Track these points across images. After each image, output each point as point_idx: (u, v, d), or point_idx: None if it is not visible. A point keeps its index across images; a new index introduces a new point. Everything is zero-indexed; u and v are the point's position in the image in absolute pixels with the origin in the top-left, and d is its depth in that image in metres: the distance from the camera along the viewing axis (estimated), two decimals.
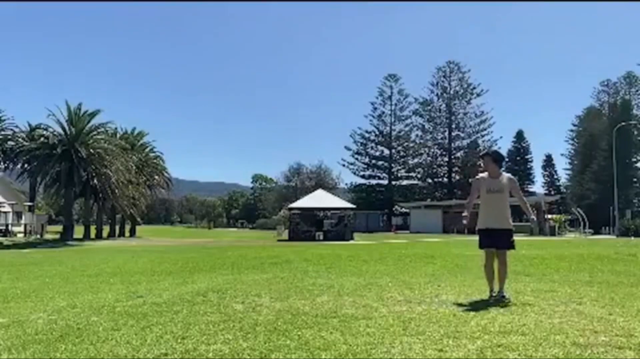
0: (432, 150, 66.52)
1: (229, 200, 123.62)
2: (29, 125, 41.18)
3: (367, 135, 66.81)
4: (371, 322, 4.18)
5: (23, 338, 3.92)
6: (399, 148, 66.99)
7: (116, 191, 35.79)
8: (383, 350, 3.32)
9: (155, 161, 47.76)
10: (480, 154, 6.09)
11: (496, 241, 5.43)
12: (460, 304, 5.01)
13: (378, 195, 65.16)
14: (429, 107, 66.50)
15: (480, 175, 5.69)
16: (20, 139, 40.13)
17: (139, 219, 48.07)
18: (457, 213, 44.69)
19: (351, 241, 27.99)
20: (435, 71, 66.70)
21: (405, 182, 67.81)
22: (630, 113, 54.78)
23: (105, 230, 41.45)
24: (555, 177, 67.25)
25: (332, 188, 64.36)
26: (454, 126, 65.66)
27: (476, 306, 4.94)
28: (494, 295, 5.33)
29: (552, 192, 62.24)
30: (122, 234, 44.82)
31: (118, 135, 42.59)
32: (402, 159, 67.29)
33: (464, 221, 5.63)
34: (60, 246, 27.65)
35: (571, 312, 4.58)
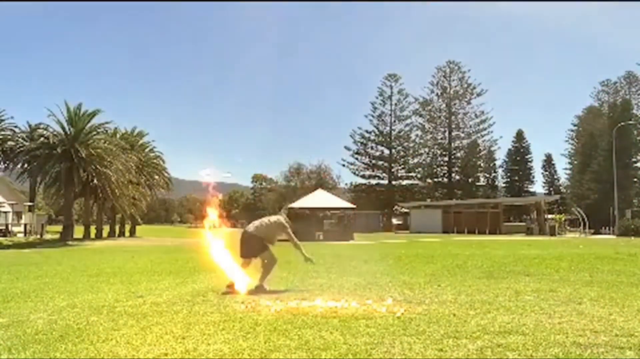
0: (432, 150, 66.58)
1: (229, 200, 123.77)
2: (29, 125, 41.23)
3: (367, 135, 66.81)
4: (371, 322, 4.18)
5: (23, 338, 3.92)
6: (399, 148, 66.99)
7: (116, 191, 35.73)
8: (383, 350, 3.32)
9: (155, 161, 47.68)
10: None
11: None
12: (460, 304, 5.01)
13: (378, 195, 65.12)
14: (429, 107, 66.54)
15: None
16: (20, 139, 40.16)
17: (139, 219, 48.04)
18: (457, 213, 44.85)
19: (351, 241, 27.98)
20: (435, 71, 66.86)
21: (405, 182, 67.82)
22: (630, 113, 54.77)
23: (105, 230, 41.41)
24: (555, 176, 67.25)
25: (332, 188, 64.32)
26: (454, 126, 65.73)
27: (476, 306, 4.94)
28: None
29: (552, 192, 62.22)
30: (122, 234, 44.77)
31: (118, 135, 42.49)
32: (402, 159, 67.26)
33: None
34: (60, 246, 27.63)
35: (571, 312, 4.58)
